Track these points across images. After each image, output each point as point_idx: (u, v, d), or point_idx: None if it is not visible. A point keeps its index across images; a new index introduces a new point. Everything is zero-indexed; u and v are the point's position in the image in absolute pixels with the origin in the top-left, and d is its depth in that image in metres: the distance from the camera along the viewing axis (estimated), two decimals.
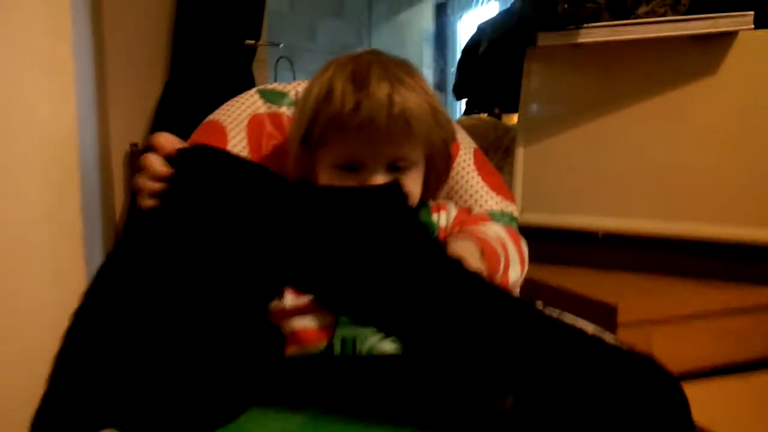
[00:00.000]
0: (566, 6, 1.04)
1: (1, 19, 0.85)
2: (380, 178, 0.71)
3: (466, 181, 0.90)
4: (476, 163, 0.92)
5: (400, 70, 0.72)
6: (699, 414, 0.50)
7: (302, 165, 0.76)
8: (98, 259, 1.14)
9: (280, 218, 0.53)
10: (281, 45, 1.95)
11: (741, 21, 1.03)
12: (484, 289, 0.52)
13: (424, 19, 4.21)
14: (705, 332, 1.06)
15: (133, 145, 1.66)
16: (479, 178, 0.90)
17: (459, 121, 1.59)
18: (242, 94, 0.90)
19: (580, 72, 1.21)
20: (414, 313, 0.50)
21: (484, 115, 1.78)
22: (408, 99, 0.69)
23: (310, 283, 0.54)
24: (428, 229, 0.57)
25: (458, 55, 1.83)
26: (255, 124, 0.87)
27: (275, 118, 0.90)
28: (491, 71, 1.43)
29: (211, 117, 0.87)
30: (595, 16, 1.08)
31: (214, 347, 0.53)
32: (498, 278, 0.70)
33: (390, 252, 0.52)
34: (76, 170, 0.91)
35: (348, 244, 0.52)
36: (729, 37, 1.07)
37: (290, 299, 0.71)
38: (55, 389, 0.48)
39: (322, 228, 0.52)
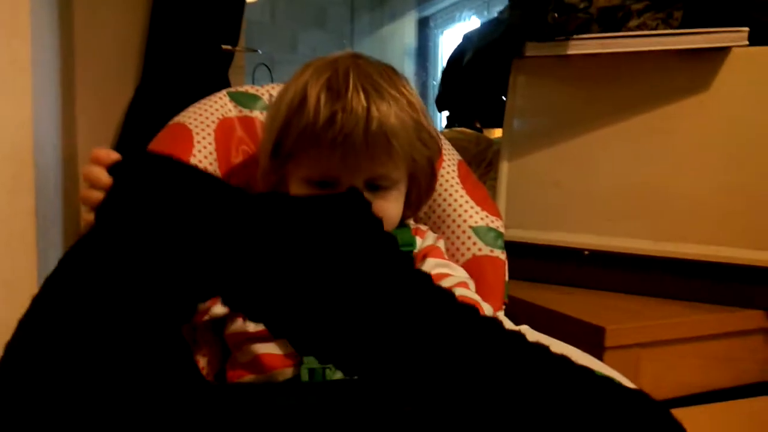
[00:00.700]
0: (556, 15, 1.00)
1: None
2: None
3: (450, 195, 0.85)
4: (460, 176, 0.87)
5: (383, 78, 0.66)
6: None
7: (272, 177, 0.70)
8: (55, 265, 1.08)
9: (211, 226, 0.45)
10: (260, 51, 1.90)
11: (735, 37, 1.01)
12: (461, 316, 0.43)
13: (406, 33, 4.21)
14: (693, 356, 1.03)
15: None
16: (463, 192, 0.86)
17: (441, 134, 1.56)
18: (210, 96, 0.84)
19: (567, 85, 1.18)
20: (374, 349, 0.41)
21: (466, 129, 1.74)
22: (388, 114, 0.63)
23: (244, 303, 0.44)
24: (395, 240, 0.48)
25: (440, 70, 1.81)
26: (224, 129, 0.81)
27: (247, 122, 0.84)
28: (475, 82, 1.40)
29: (176, 119, 0.81)
30: (585, 28, 1.05)
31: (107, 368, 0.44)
32: None
33: (341, 270, 0.43)
34: (30, 170, 0.85)
35: (291, 260, 0.43)
36: (722, 53, 1.04)
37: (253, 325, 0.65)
38: None
39: (261, 239, 0.44)
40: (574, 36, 1.06)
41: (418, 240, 0.75)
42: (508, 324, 0.80)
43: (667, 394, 0.99)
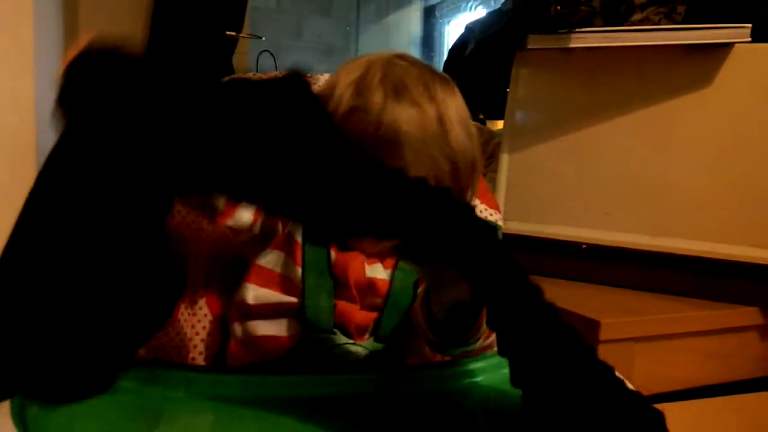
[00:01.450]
0: (559, 8, 1.00)
1: None
2: None
3: None
4: None
5: (415, 83, 0.64)
6: None
7: None
8: None
9: (181, 117, 0.48)
10: (264, 38, 1.90)
11: (738, 33, 1.01)
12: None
13: (412, 21, 4.19)
14: (687, 352, 1.04)
15: None
16: None
17: None
18: None
19: (569, 78, 1.17)
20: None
21: None
22: (401, 119, 0.62)
23: (223, 185, 0.49)
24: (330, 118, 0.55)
25: (445, 58, 1.80)
26: None
27: None
28: (477, 73, 1.39)
29: None
30: (588, 21, 1.05)
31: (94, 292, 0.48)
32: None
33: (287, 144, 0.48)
34: (32, 151, 0.86)
35: (252, 141, 0.47)
36: (724, 48, 1.04)
37: (252, 292, 0.66)
38: None
39: (227, 127, 0.48)
40: (577, 29, 1.06)
41: None
42: None
43: (660, 388, 0.99)
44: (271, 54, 2.09)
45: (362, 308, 0.69)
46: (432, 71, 0.68)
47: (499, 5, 1.71)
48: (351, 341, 0.66)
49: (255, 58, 2.11)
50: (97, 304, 0.48)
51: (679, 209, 1.10)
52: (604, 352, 0.93)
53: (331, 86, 0.67)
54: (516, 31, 1.13)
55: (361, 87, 0.64)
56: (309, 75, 0.91)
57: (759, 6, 1.06)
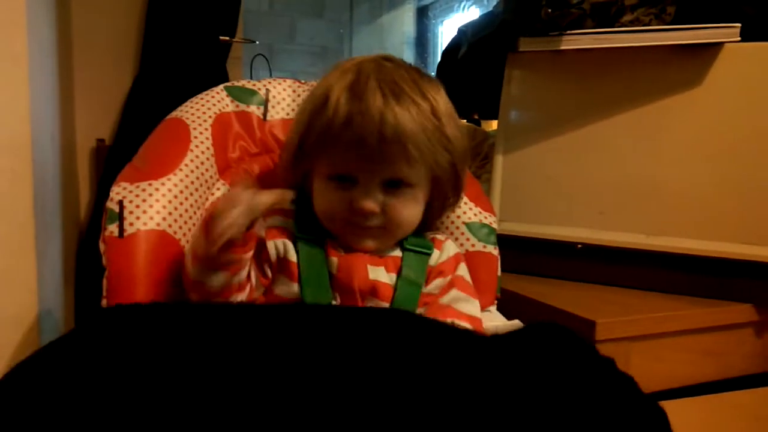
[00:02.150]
0: (550, 11, 1.01)
1: None
2: (371, 201, 0.67)
3: None
4: None
5: (407, 82, 0.67)
6: None
7: (298, 172, 0.73)
8: (54, 258, 1.08)
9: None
10: (257, 42, 1.90)
11: (727, 32, 1.01)
12: None
13: (405, 22, 4.18)
14: (683, 350, 1.04)
15: (100, 141, 1.59)
16: None
17: None
18: (208, 91, 0.85)
19: (561, 80, 1.18)
20: None
21: (463, 121, 1.75)
22: (404, 118, 0.64)
23: None
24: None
25: (439, 59, 1.80)
26: (221, 124, 0.82)
27: (244, 117, 0.85)
28: (471, 75, 1.40)
29: (173, 114, 0.82)
30: (578, 23, 1.06)
31: None
32: None
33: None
34: (28, 162, 0.85)
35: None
36: (714, 48, 1.05)
37: None
38: None
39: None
40: (568, 31, 1.06)
41: (435, 252, 0.75)
42: (500, 318, 0.82)
43: (656, 386, 1.00)
44: (265, 58, 2.10)
45: None
46: (417, 70, 0.71)
47: (492, 6, 1.72)
48: None
49: (249, 62, 2.11)
50: None
51: (672, 208, 1.10)
52: (601, 352, 0.94)
53: (324, 92, 0.68)
54: (507, 33, 1.13)
55: (357, 91, 0.66)
56: (303, 82, 0.91)
57: (748, 5, 1.06)
